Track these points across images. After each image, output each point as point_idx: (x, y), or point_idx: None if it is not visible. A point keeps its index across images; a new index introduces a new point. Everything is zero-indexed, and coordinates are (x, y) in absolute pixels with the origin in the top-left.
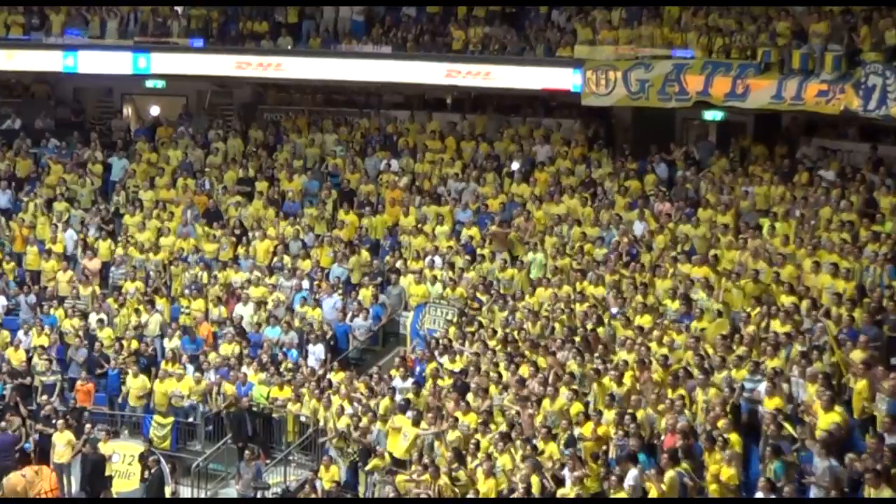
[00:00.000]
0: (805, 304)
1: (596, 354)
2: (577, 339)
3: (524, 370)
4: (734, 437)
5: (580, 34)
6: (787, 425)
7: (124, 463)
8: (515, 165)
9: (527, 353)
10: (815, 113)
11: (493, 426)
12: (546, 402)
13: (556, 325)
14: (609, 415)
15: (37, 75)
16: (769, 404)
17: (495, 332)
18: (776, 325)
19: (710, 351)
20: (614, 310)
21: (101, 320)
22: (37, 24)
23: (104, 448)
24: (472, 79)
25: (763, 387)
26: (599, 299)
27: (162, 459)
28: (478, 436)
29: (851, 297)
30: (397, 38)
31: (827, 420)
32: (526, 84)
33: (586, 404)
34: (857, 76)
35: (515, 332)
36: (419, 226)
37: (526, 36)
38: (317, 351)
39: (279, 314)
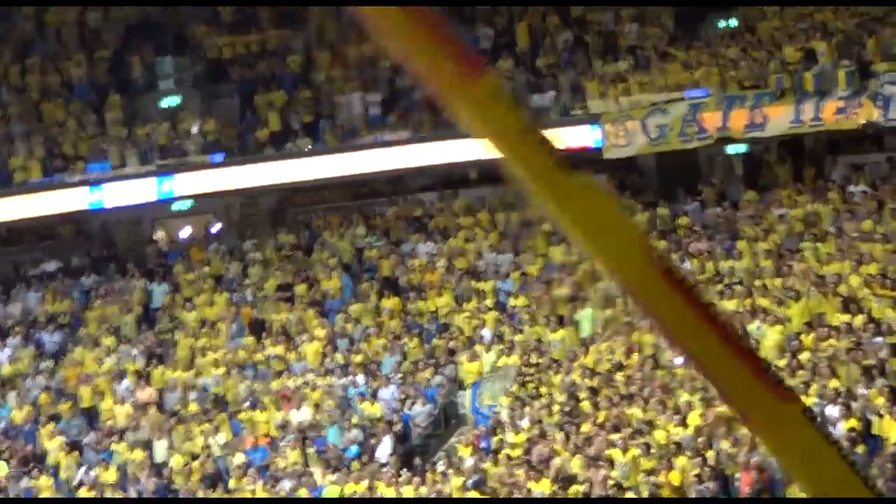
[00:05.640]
0: (860, 319)
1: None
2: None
3: (587, 428)
4: None
5: (590, 89)
6: None
7: None
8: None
9: (588, 411)
10: (837, 130)
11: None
12: (618, 455)
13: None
14: (680, 461)
15: (63, 216)
16: (845, 426)
17: (552, 396)
18: (833, 346)
19: None
20: (679, 359)
21: (170, 445)
22: (59, 166)
23: None
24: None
25: (832, 409)
26: (657, 348)
27: None
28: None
29: None
30: (413, 121)
31: None
32: None
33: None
34: (872, 88)
35: (580, 392)
36: (462, 303)
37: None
38: (383, 443)
39: (338, 413)
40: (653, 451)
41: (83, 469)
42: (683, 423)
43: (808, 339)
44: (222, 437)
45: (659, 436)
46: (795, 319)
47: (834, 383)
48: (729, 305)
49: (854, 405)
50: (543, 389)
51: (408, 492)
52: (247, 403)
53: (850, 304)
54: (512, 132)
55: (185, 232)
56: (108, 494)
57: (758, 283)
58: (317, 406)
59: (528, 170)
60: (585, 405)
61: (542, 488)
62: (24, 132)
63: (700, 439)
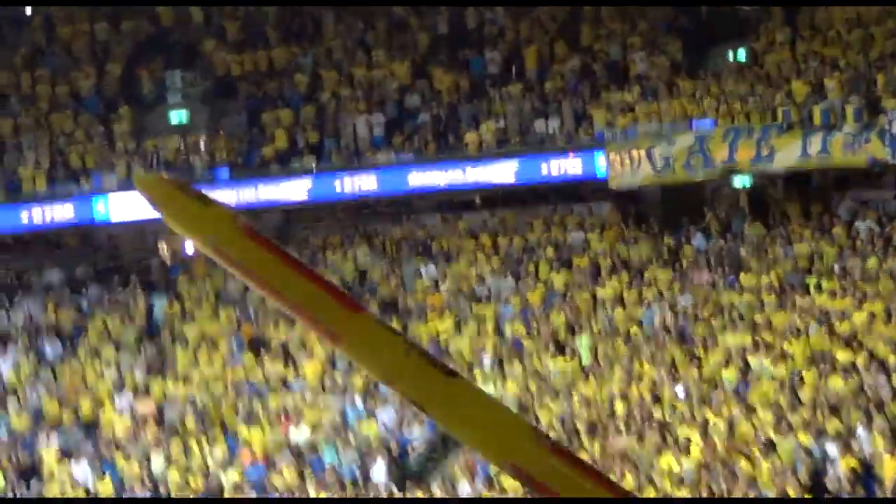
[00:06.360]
0: (862, 357)
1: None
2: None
3: (584, 458)
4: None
5: (596, 117)
6: None
7: None
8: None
9: (585, 441)
10: (845, 166)
11: None
12: None
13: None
14: (680, 495)
15: (69, 227)
16: (843, 465)
17: (550, 424)
18: (835, 384)
19: (770, 418)
20: (680, 391)
21: (167, 459)
22: (67, 177)
23: None
24: (497, 175)
25: (831, 448)
26: (657, 380)
27: None
28: None
29: None
30: (418, 143)
31: None
32: (551, 174)
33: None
34: (880, 124)
35: (577, 422)
36: (462, 328)
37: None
38: (379, 465)
39: (334, 433)
40: (654, 484)
41: (80, 479)
42: (686, 455)
43: (809, 376)
44: (219, 452)
45: (660, 468)
46: (798, 356)
47: (835, 422)
48: (731, 339)
49: (854, 444)
50: (542, 417)
51: None
52: (244, 420)
53: (853, 343)
54: (393, 359)
55: (189, 247)
56: None
57: (760, 317)
58: (314, 425)
59: (415, 388)
60: (583, 435)
61: None
62: (32, 143)
63: (703, 472)
